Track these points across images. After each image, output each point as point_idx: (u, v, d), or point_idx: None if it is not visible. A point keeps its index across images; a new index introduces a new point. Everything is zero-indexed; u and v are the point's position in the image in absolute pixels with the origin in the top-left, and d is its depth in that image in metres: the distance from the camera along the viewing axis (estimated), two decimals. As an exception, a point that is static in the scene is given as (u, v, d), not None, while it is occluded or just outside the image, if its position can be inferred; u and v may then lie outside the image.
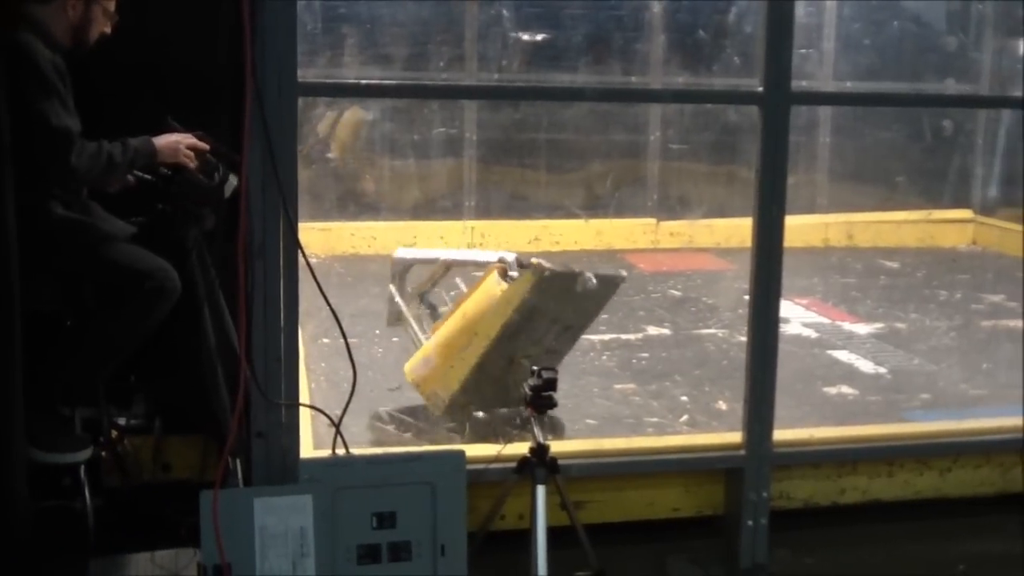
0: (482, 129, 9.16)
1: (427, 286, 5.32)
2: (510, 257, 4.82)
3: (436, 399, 4.84)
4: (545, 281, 4.62)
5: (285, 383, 3.62)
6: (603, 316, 6.93)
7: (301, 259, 3.60)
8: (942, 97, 9.81)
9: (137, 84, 3.96)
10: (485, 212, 9.16)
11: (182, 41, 3.92)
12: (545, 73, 9.17)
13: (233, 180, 3.71)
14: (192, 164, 3.74)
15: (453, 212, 9.08)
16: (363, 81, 7.82)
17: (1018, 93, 10.41)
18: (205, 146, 3.78)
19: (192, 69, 3.87)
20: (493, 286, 4.78)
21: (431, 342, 4.99)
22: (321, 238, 8.50)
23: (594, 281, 4.70)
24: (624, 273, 5.36)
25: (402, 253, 5.36)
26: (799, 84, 9.39)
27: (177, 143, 3.75)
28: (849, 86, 9.99)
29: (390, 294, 5.32)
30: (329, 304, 3.67)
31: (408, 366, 5.04)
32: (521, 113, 9.26)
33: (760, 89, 3.96)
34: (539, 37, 9.16)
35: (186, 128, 3.79)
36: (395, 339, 6.27)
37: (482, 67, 8.99)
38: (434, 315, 5.20)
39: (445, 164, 9.23)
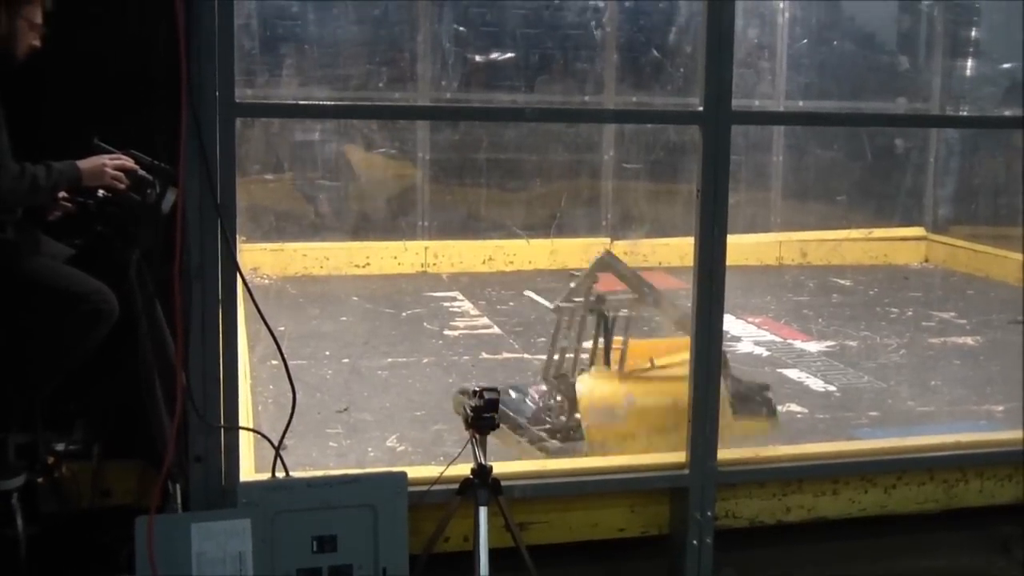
0: (435, 149, 9.17)
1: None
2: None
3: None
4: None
5: (225, 406, 3.58)
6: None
7: (241, 281, 3.56)
8: (883, 116, 9.91)
9: (70, 101, 3.93)
10: (439, 232, 9.15)
11: (117, 58, 3.90)
12: (496, 93, 9.19)
13: (171, 195, 3.66)
14: (122, 185, 3.71)
15: (407, 232, 9.06)
16: (301, 102, 7.79)
17: (966, 111, 10.51)
18: (133, 166, 3.74)
19: (127, 86, 3.84)
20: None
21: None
22: (273, 259, 8.47)
23: None
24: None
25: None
26: (750, 103, 9.55)
27: (102, 165, 3.70)
28: (801, 105, 10.06)
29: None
30: (268, 326, 3.63)
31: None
32: (474, 133, 9.27)
33: (700, 108, 3.98)
34: (493, 57, 9.19)
35: (119, 147, 3.75)
36: (344, 360, 6.27)
37: (434, 87, 9.01)
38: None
39: (399, 184, 9.22)
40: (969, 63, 10.35)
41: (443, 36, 9.04)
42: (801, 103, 10.05)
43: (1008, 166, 10.10)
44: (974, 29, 10.39)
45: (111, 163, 3.70)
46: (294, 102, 7.54)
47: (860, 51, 10.47)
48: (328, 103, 7.69)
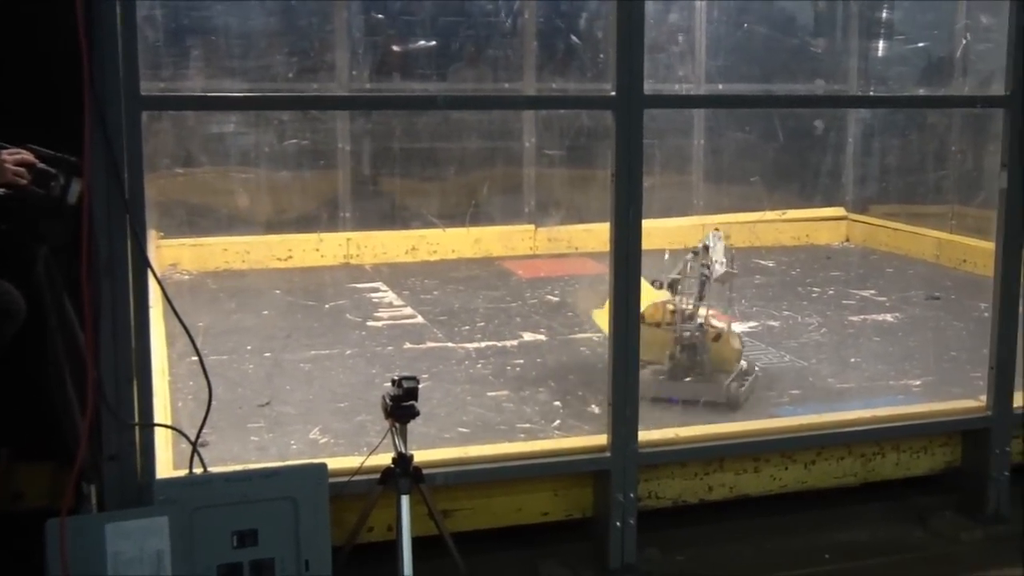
0: (355, 140, 9.11)
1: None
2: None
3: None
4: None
5: (139, 403, 3.54)
6: (479, 324, 7.00)
7: (152, 276, 3.51)
8: (794, 97, 9.97)
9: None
10: (361, 223, 9.10)
11: (16, 50, 3.81)
12: (416, 83, 9.16)
13: (76, 185, 3.58)
14: (23, 181, 3.62)
15: (328, 223, 9.00)
16: (209, 94, 7.68)
17: (884, 92, 10.66)
18: (32, 159, 3.65)
19: (28, 79, 3.76)
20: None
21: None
22: (192, 254, 8.37)
23: None
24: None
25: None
26: (670, 87, 9.60)
27: (1, 162, 3.62)
28: (721, 88, 10.14)
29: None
30: (181, 320, 3.59)
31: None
32: (395, 123, 9.22)
33: (613, 93, 3.99)
34: (414, 45, 9.15)
35: (17, 143, 3.66)
36: (266, 354, 6.21)
37: (353, 77, 8.94)
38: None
39: (321, 175, 9.15)
40: (881, 44, 10.49)
41: (355, 26, 8.97)
42: (721, 86, 10.12)
43: (922, 145, 10.28)
44: (885, 10, 10.53)
45: (10, 159, 3.61)
46: (202, 94, 7.46)
47: (780, 34, 10.57)
48: (236, 95, 7.59)
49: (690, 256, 5.66)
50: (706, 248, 5.66)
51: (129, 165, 3.42)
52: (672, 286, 5.61)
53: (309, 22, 8.95)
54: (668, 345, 5.58)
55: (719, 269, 5.60)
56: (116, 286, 3.45)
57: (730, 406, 5.32)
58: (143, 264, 3.49)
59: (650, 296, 5.50)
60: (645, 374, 4.96)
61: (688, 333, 5.56)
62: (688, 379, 5.48)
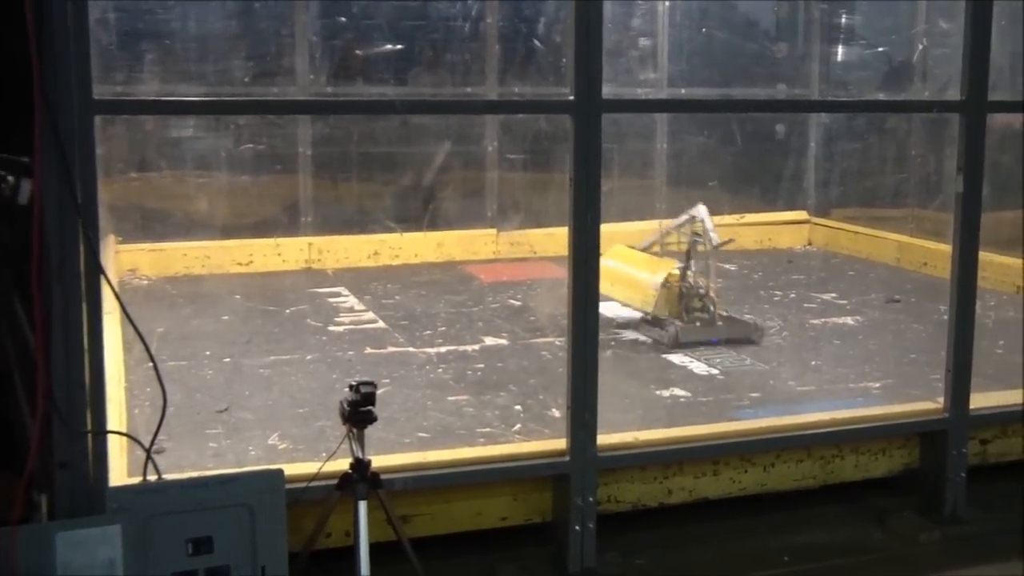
0: (316, 144, 9.06)
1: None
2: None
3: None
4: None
5: (92, 410, 3.50)
6: (441, 328, 6.98)
7: (105, 282, 3.47)
8: (753, 102, 9.92)
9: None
10: (323, 227, 9.05)
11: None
12: (379, 87, 9.13)
13: (27, 185, 3.52)
14: (-31, 182, 3.57)
15: (290, 228, 8.95)
16: (164, 98, 7.61)
17: (844, 96, 10.72)
18: None
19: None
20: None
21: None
22: (152, 259, 8.31)
23: None
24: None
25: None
26: (632, 91, 9.61)
27: None
28: (683, 92, 10.15)
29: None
30: (135, 326, 3.56)
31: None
32: (356, 127, 9.18)
33: (571, 98, 3.99)
34: (378, 49, 9.12)
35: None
36: (226, 360, 6.17)
37: (314, 82, 8.90)
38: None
39: (281, 179, 9.10)
40: (840, 49, 10.55)
41: (314, 29, 8.93)
42: (683, 91, 10.14)
43: (883, 149, 10.36)
44: (845, 15, 10.60)
45: None
46: (156, 98, 7.39)
47: (742, 39, 10.61)
48: (191, 99, 7.54)
49: (675, 226, 7.03)
50: (692, 218, 6.90)
51: (82, 169, 3.37)
52: (687, 254, 6.94)
53: (268, 25, 8.90)
54: (681, 301, 6.88)
55: (717, 237, 6.81)
56: (68, 291, 3.40)
57: (759, 337, 6.79)
58: (96, 269, 3.44)
59: (660, 265, 7.12)
60: (676, 327, 6.72)
61: (703, 291, 6.91)
62: (719, 323, 6.85)
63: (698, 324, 6.82)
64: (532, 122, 9.37)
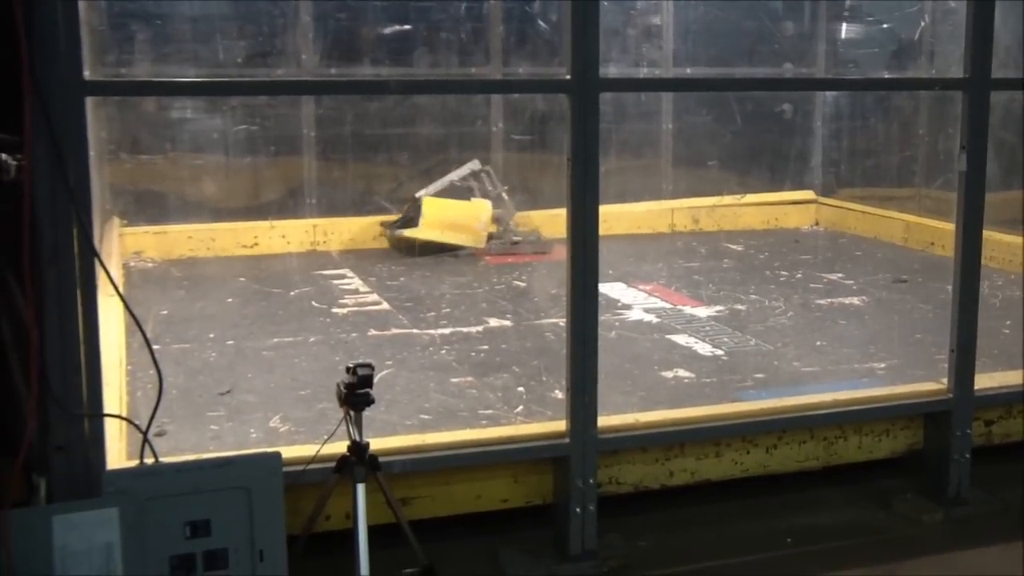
0: (320, 125, 9.02)
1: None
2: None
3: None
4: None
5: (88, 393, 3.48)
6: (445, 310, 6.97)
7: (99, 265, 3.45)
8: (753, 80, 9.86)
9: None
10: (328, 209, 9.03)
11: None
12: (380, 67, 9.08)
13: (10, 161, 3.49)
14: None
15: (294, 210, 8.93)
16: (156, 79, 7.57)
17: (853, 75, 10.66)
18: None
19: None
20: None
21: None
22: (157, 241, 8.31)
23: None
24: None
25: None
26: (637, 71, 9.56)
27: None
28: (689, 72, 10.10)
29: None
30: (129, 308, 3.54)
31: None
32: (357, 108, 9.14)
33: (568, 77, 3.95)
34: (386, 31, 9.09)
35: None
36: (229, 342, 6.16)
37: (321, 62, 8.87)
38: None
39: (286, 161, 9.08)
40: (844, 27, 10.48)
41: (313, 9, 8.88)
42: (689, 70, 10.09)
43: (890, 128, 10.29)
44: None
45: None
46: (147, 79, 7.35)
47: (749, 18, 10.54)
48: (183, 80, 7.47)
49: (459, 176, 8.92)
50: (474, 173, 8.89)
51: (73, 151, 3.35)
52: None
53: (280, 4, 8.85)
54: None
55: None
56: (62, 274, 3.38)
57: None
58: (90, 252, 3.43)
59: (482, 206, 8.85)
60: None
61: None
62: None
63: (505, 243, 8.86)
64: (537, 102, 9.33)
